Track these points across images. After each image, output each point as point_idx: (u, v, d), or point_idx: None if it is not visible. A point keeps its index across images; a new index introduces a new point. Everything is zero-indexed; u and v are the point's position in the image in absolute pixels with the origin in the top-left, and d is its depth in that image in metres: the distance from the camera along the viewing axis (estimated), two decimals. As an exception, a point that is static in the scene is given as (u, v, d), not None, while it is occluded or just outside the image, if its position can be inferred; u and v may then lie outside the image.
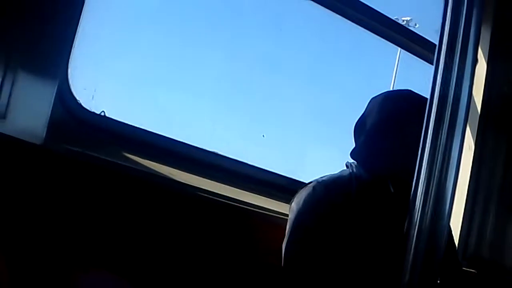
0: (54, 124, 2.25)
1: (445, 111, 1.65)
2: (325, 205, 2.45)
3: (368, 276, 2.40)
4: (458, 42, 1.69)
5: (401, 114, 2.54)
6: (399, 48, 3.74)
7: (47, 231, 2.19)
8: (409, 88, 2.64)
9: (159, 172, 2.58)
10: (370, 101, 2.68)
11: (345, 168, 2.63)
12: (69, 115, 2.42)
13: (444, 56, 1.70)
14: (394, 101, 2.63)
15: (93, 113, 2.57)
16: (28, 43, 2.18)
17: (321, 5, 3.30)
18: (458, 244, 3.68)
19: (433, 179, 1.63)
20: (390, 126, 2.54)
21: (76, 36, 2.34)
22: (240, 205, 2.69)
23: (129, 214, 2.37)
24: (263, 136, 3.59)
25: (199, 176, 2.76)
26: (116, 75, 2.98)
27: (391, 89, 2.73)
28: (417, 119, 1.81)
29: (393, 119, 2.55)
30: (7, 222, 2.10)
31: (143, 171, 2.53)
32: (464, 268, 3.20)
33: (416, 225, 1.65)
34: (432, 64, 1.76)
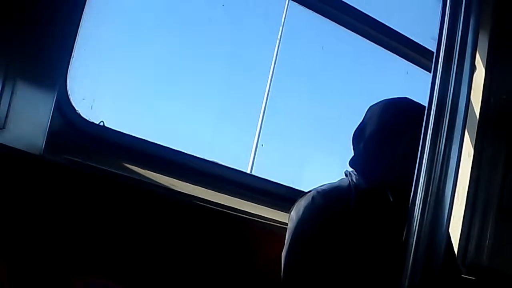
0: (53, 134, 2.26)
1: (443, 119, 1.65)
2: (324, 214, 2.45)
3: (367, 285, 2.40)
4: (456, 49, 1.69)
5: (399, 122, 2.54)
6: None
7: (47, 240, 2.19)
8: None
9: (157, 182, 2.59)
10: (368, 109, 2.69)
11: (343, 177, 2.63)
12: (68, 125, 2.42)
13: (441, 63, 1.70)
14: (393, 109, 2.63)
15: (92, 123, 2.58)
16: (27, 53, 2.18)
17: (317, 12, 3.31)
18: (457, 251, 3.68)
19: (432, 187, 1.63)
20: (388, 135, 2.54)
21: (75, 47, 2.35)
22: (239, 214, 2.69)
23: (128, 223, 2.37)
24: (262, 145, 3.60)
25: (197, 185, 2.76)
26: (115, 85, 2.99)
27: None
28: (415, 127, 1.82)
29: (391, 127, 2.55)
30: (8, 231, 2.10)
31: (141, 181, 2.53)
32: (463, 275, 3.19)
33: (415, 232, 1.65)
34: (429, 71, 1.76)
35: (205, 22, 3.49)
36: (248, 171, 3.19)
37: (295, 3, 3.24)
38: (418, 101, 2.58)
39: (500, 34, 3.91)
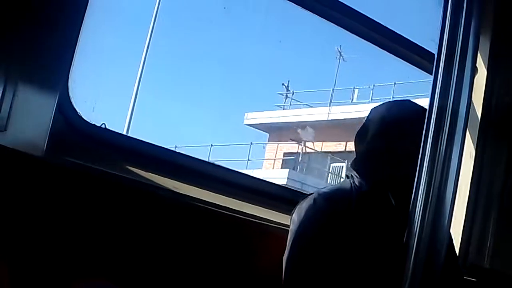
0: (54, 136, 2.25)
1: (444, 121, 1.66)
2: (325, 216, 2.46)
3: (369, 287, 2.40)
4: (457, 51, 1.70)
5: (401, 125, 2.55)
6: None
7: (47, 242, 2.19)
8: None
9: (159, 184, 2.59)
10: (371, 111, 2.69)
11: (346, 179, 2.64)
12: (70, 127, 2.42)
13: (442, 66, 1.71)
14: (394, 112, 2.64)
15: (94, 125, 2.58)
16: (28, 55, 2.19)
17: (320, 15, 3.31)
18: (458, 253, 3.67)
19: (433, 188, 1.64)
20: (390, 137, 2.55)
21: (76, 49, 2.35)
22: (240, 216, 2.69)
23: (129, 225, 2.37)
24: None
25: (199, 187, 2.76)
26: (117, 87, 2.98)
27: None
28: (417, 129, 1.82)
29: (393, 129, 2.56)
30: (9, 233, 2.10)
31: (143, 183, 2.53)
32: (465, 277, 3.19)
33: (416, 234, 1.66)
34: (430, 74, 1.76)
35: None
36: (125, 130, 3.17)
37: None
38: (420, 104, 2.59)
39: (502, 36, 3.91)
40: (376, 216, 2.48)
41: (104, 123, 2.62)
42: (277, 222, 2.80)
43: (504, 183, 3.89)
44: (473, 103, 3.79)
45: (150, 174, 2.61)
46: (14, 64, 2.15)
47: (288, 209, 2.66)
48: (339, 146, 22.54)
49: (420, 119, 1.81)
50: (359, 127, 2.67)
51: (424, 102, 1.94)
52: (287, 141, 23.19)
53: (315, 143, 22.80)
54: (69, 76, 2.38)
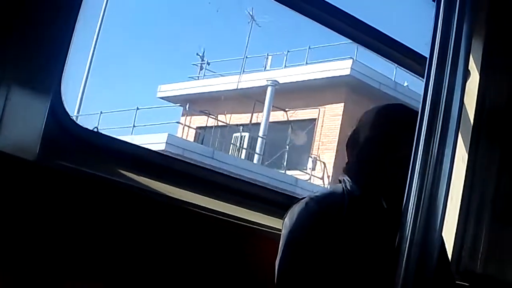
0: (47, 140, 2.25)
1: (436, 124, 1.66)
2: (317, 220, 2.46)
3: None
4: (449, 54, 1.70)
5: (393, 129, 2.55)
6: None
7: (41, 245, 2.19)
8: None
9: (152, 188, 2.59)
10: (363, 115, 2.69)
11: (338, 183, 2.64)
12: (62, 131, 2.42)
13: (434, 69, 1.71)
14: (386, 116, 2.64)
15: (86, 129, 2.58)
16: (21, 58, 2.18)
17: (314, 20, 3.31)
18: (451, 257, 3.67)
19: (425, 192, 1.64)
20: (382, 141, 2.55)
21: (69, 52, 2.35)
22: (232, 220, 2.69)
23: (122, 229, 2.37)
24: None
25: (191, 191, 2.76)
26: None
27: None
28: (409, 133, 1.82)
29: (385, 134, 2.56)
30: (2, 236, 2.10)
31: (136, 187, 2.53)
32: (457, 282, 3.19)
33: (407, 238, 1.66)
34: (422, 77, 1.76)
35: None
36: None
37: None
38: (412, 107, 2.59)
39: (494, 39, 3.92)
40: (368, 220, 2.48)
41: (96, 127, 2.63)
42: (270, 226, 2.80)
43: (497, 187, 3.90)
44: (465, 106, 3.79)
45: (143, 178, 2.61)
46: (6, 68, 2.15)
47: (280, 213, 2.66)
48: (247, 119, 21.68)
49: (411, 123, 1.81)
50: (351, 132, 2.68)
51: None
52: (200, 115, 22.12)
53: (227, 115, 21.70)
54: (62, 79, 2.38)
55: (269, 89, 20.93)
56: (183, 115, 22.96)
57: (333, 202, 2.51)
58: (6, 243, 2.12)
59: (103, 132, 2.68)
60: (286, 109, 21.37)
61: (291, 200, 2.71)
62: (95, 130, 2.62)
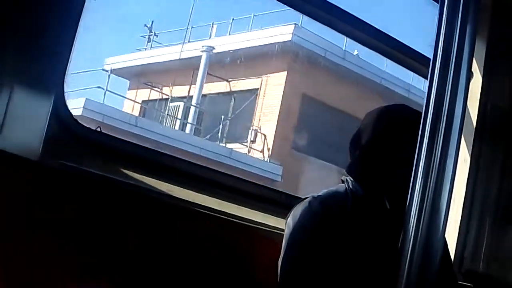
0: (50, 140, 2.25)
1: (440, 125, 1.66)
2: (321, 220, 2.45)
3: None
4: (452, 56, 1.70)
5: (396, 129, 2.54)
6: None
7: (42, 245, 2.19)
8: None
9: (154, 187, 2.59)
10: (365, 116, 2.69)
11: (341, 183, 2.63)
12: (65, 131, 2.42)
13: (438, 70, 1.70)
14: (389, 116, 2.63)
15: (89, 128, 2.58)
16: (24, 58, 2.19)
17: (315, 19, 3.31)
18: (453, 257, 3.67)
19: (428, 193, 1.64)
20: (385, 141, 2.54)
21: (72, 52, 2.35)
22: (234, 220, 2.69)
23: (125, 228, 2.37)
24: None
25: (193, 190, 2.76)
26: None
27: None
28: (412, 134, 1.82)
29: (388, 134, 2.55)
30: (3, 236, 2.10)
31: (138, 186, 2.53)
32: (459, 282, 3.19)
33: (410, 238, 1.65)
34: (426, 78, 1.76)
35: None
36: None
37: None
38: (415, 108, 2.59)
39: (497, 41, 3.92)
40: (371, 220, 2.48)
41: (99, 127, 2.62)
42: (272, 226, 2.80)
43: (499, 188, 3.90)
44: (468, 108, 3.79)
45: (145, 177, 2.61)
46: (9, 68, 2.15)
47: (283, 213, 2.66)
48: (191, 90, 20.55)
49: (414, 123, 1.81)
50: (354, 132, 2.67)
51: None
52: (145, 88, 21.20)
53: (173, 87, 20.65)
54: (64, 79, 2.38)
55: (203, 55, 19.91)
56: (130, 88, 22.12)
57: (337, 202, 2.51)
58: (7, 242, 2.12)
59: (105, 132, 2.68)
60: (229, 80, 20.52)
61: (294, 200, 2.71)
62: (98, 130, 2.62)
